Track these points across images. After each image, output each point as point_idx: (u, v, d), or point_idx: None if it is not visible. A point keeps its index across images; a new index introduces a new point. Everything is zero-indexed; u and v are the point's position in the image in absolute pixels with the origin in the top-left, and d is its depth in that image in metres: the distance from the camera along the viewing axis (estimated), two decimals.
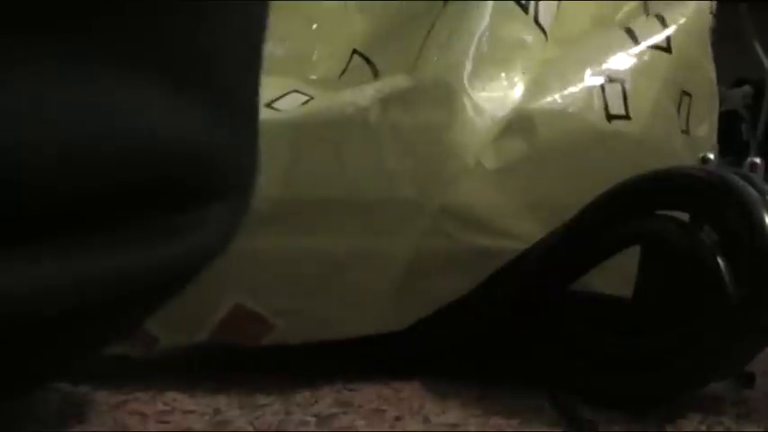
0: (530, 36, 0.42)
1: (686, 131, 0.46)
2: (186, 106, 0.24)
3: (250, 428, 0.34)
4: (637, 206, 0.38)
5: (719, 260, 0.34)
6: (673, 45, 0.45)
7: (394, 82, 0.39)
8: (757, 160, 0.38)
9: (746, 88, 0.94)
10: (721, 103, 0.92)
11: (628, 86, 0.42)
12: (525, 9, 0.41)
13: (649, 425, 0.35)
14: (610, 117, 0.41)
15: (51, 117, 0.21)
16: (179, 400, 0.37)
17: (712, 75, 0.48)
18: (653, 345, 0.36)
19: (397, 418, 0.35)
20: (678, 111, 0.45)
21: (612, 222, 0.38)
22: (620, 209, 0.38)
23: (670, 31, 0.45)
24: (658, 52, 0.44)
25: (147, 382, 0.39)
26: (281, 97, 0.40)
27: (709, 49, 0.48)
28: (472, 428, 0.34)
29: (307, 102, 0.40)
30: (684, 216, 0.37)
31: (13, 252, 0.20)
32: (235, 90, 0.26)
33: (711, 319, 0.34)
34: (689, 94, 0.46)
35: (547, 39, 0.42)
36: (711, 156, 0.40)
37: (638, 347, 0.36)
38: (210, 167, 0.25)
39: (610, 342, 0.38)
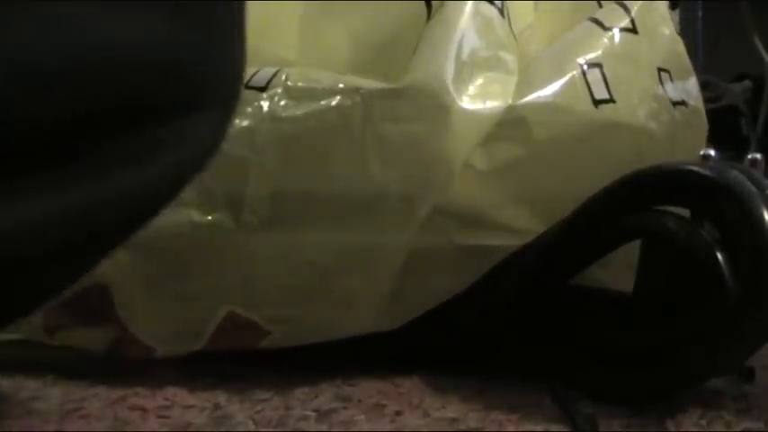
0: (509, 40, 0.42)
1: (676, 105, 0.46)
2: (144, 11, 0.23)
3: (250, 423, 0.34)
4: (637, 201, 0.38)
5: (719, 255, 0.34)
6: (637, 26, 0.46)
7: (376, 85, 0.39)
8: (758, 156, 0.38)
9: (746, 83, 0.94)
10: (721, 97, 0.92)
11: (606, 70, 0.43)
12: (502, 13, 0.42)
13: (650, 420, 0.35)
14: (596, 102, 0.41)
15: None
16: (179, 394, 0.37)
17: (681, 47, 0.49)
18: (653, 340, 0.36)
19: (397, 413, 0.35)
20: (662, 86, 0.46)
21: (613, 218, 0.38)
22: (621, 204, 0.38)
23: (632, 13, 0.46)
24: (626, 34, 0.45)
25: (146, 377, 0.39)
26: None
27: (672, 22, 0.49)
28: (472, 423, 0.34)
29: (277, 72, 0.40)
30: (685, 212, 0.37)
31: None
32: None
33: (711, 315, 0.34)
34: (666, 70, 0.46)
35: (517, 43, 0.43)
36: (712, 152, 0.40)
37: (638, 342, 0.36)
38: (178, 75, 0.24)
39: (610, 337, 0.38)
